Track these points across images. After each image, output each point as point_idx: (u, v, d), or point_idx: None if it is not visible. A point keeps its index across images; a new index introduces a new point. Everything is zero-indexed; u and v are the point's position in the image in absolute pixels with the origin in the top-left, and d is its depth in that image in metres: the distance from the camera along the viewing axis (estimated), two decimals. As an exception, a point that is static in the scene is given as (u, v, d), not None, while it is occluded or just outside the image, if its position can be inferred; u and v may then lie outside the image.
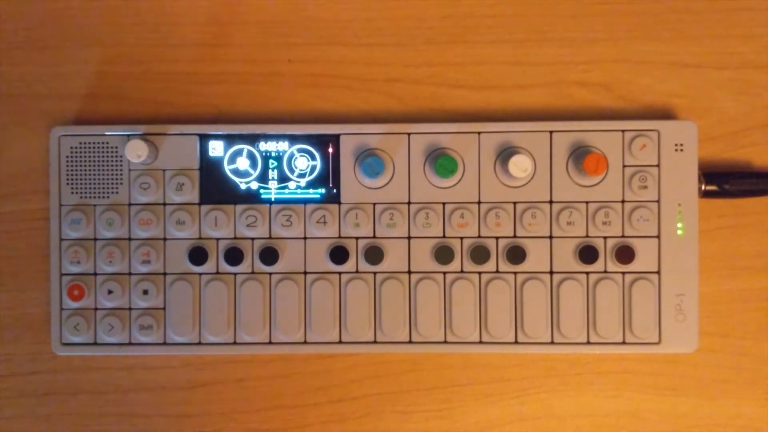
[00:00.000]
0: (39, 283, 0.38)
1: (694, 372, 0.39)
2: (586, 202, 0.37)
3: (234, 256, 0.37)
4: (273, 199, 0.38)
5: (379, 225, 0.37)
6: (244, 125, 0.38)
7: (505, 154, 0.37)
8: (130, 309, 0.38)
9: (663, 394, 0.39)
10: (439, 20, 0.39)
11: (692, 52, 0.39)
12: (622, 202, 0.37)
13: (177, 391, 0.39)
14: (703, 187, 0.37)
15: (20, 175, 0.39)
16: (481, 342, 0.37)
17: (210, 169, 0.38)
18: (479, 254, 0.37)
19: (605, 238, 0.37)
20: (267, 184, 0.38)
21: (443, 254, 0.37)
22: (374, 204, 0.37)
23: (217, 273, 0.38)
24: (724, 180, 0.37)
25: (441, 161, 0.36)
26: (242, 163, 0.38)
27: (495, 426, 0.39)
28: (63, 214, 0.37)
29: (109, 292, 0.37)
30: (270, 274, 0.38)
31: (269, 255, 0.37)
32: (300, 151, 0.38)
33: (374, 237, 0.38)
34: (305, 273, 0.38)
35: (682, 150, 0.37)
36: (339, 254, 0.37)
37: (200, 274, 0.38)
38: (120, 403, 0.39)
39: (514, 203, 0.37)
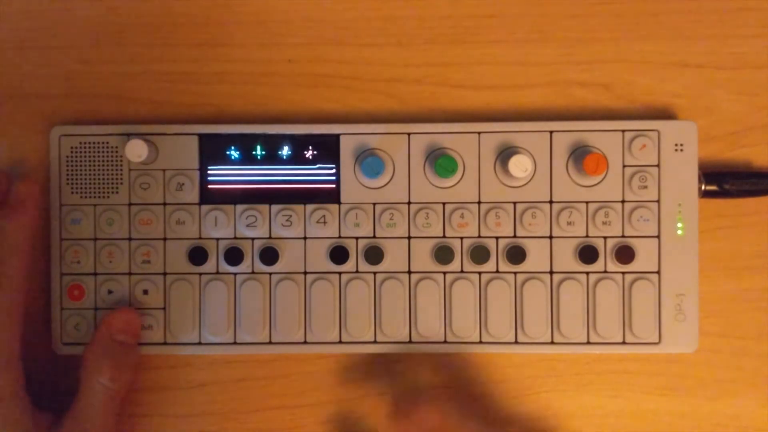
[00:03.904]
0: (39, 283, 0.38)
1: (694, 372, 0.39)
2: (586, 202, 0.37)
3: (234, 256, 0.37)
4: (273, 199, 0.38)
5: (379, 225, 0.37)
6: (244, 125, 0.38)
7: (505, 154, 0.37)
8: (130, 309, 0.38)
9: (663, 394, 0.39)
10: (439, 20, 0.39)
11: (692, 52, 0.39)
12: (622, 202, 0.37)
13: (177, 391, 0.39)
14: (703, 187, 0.37)
15: (20, 175, 0.39)
16: (481, 342, 0.37)
17: (210, 169, 0.38)
18: (479, 254, 0.37)
19: (605, 238, 0.37)
20: (267, 183, 0.38)
21: (443, 254, 0.37)
22: (374, 204, 0.37)
23: (217, 273, 0.38)
24: (724, 180, 0.37)
25: (441, 161, 0.36)
26: (242, 162, 0.38)
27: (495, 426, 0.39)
28: (63, 214, 0.37)
29: (109, 292, 0.38)
30: (270, 274, 0.38)
31: (269, 255, 0.37)
32: (300, 150, 0.38)
33: (374, 237, 0.38)
34: (305, 273, 0.38)
35: (682, 150, 0.37)
36: (339, 254, 0.37)
37: (200, 274, 0.38)
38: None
39: (514, 203, 0.37)
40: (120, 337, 0.36)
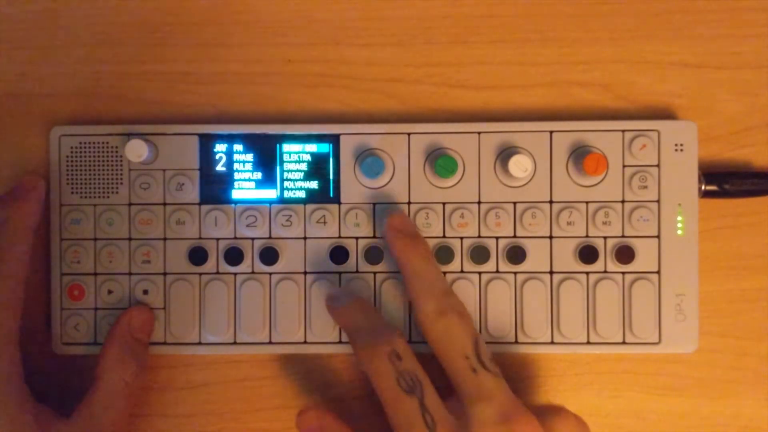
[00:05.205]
0: (39, 283, 0.38)
1: (694, 372, 0.39)
2: (586, 202, 0.37)
3: (234, 256, 0.37)
4: (273, 199, 0.38)
5: (379, 225, 0.37)
6: (244, 125, 0.38)
7: (505, 154, 0.37)
8: (130, 309, 0.38)
9: (663, 394, 0.39)
10: (439, 20, 0.39)
11: (692, 52, 0.39)
12: (622, 202, 0.37)
13: (177, 391, 0.39)
14: (703, 187, 0.37)
15: (20, 175, 0.39)
16: (481, 342, 0.37)
17: (210, 169, 0.38)
18: (479, 254, 0.37)
19: (605, 238, 0.37)
20: (267, 183, 0.38)
21: (443, 254, 0.37)
22: (374, 204, 0.37)
23: (217, 273, 0.38)
24: (724, 180, 0.37)
25: (441, 161, 0.36)
26: (242, 162, 0.38)
27: (495, 426, 0.39)
28: (63, 214, 0.37)
29: (109, 292, 0.38)
30: (270, 274, 0.38)
31: (269, 255, 0.37)
32: (300, 150, 0.38)
33: (374, 237, 0.38)
34: (305, 273, 0.38)
35: (682, 150, 0.37)
36: (339, 254, 0.37)
37: (200, 274, 0.38)
38: (120, 403, 0.39)
39: (514, 203, 0.37)
40: (138, 335, 0.36)
